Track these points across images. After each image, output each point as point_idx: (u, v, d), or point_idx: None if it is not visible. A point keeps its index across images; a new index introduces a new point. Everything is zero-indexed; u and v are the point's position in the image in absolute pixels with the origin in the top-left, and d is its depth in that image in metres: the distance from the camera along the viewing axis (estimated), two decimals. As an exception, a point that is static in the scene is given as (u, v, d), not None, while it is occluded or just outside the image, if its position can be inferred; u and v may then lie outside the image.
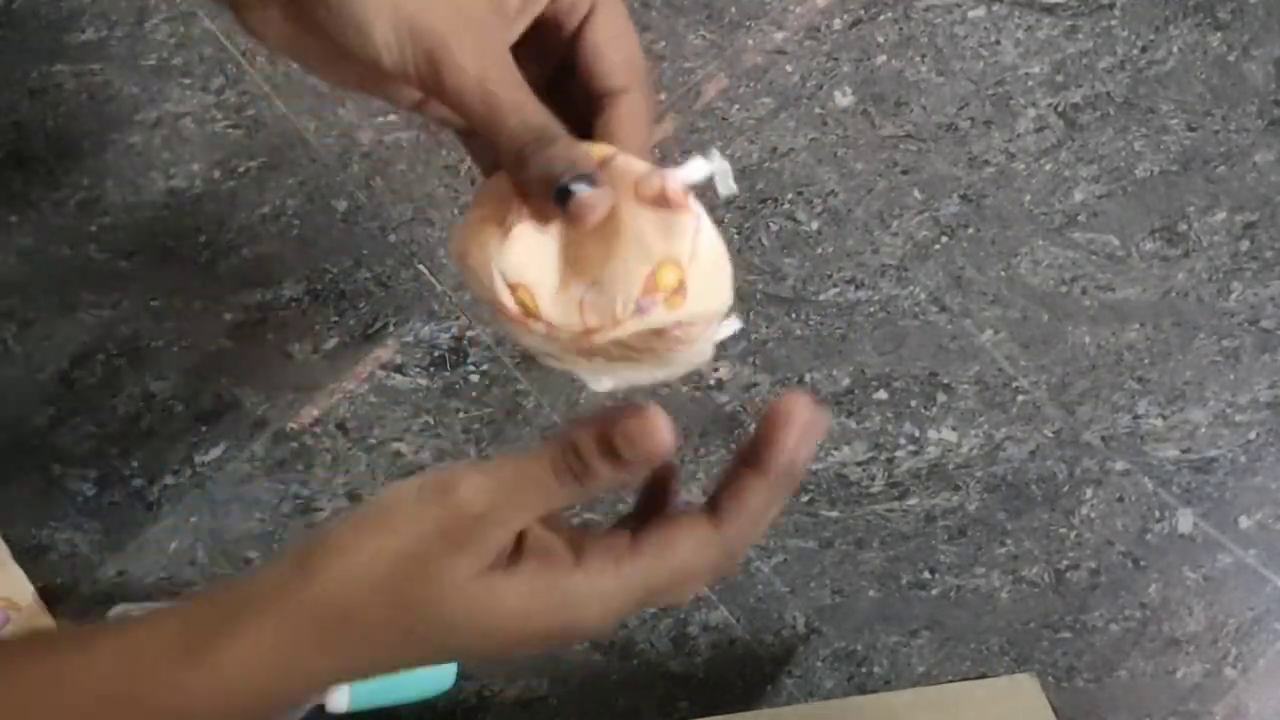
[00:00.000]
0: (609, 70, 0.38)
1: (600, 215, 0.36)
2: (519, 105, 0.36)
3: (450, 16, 0.36)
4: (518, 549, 0.36)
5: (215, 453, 0.74)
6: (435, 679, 0.68)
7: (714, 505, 0.37)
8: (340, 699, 0.64)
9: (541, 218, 0.37)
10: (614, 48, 0.38)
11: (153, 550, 0.73)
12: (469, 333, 0.77)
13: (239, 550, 0.73)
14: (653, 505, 0.39)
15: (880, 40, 0.82)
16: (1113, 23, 0.82)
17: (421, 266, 0.78)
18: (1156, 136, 0.80)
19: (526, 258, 0.37)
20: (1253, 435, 0.75)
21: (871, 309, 0.77)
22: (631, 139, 0.38)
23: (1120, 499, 0.75)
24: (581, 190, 0.35)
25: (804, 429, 0.36)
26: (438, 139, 0.79)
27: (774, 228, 0.78)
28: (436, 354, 0.76)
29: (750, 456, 0.36)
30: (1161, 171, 0.80)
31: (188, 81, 0.80)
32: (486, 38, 0.37)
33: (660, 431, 0.34)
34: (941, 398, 0.76)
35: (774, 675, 0.72)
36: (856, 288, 0.78)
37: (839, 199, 0.79)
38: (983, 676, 0.72)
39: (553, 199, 0.35)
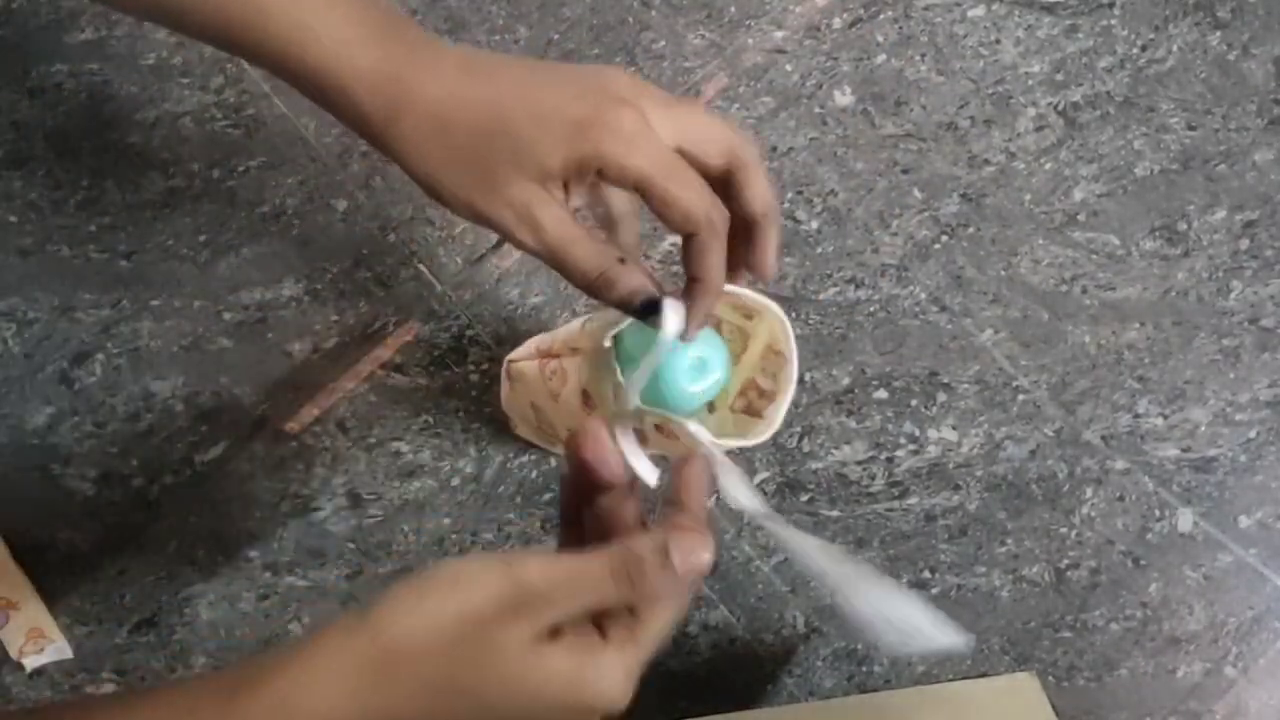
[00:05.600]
0: (674, 222, 0.45)
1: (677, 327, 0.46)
2: (580, 251, 0.45)
3: (503, 203, 0.44)
4: (558, 626, 0.41)
5: (215, 452, 0.74)
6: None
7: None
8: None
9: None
10: (674, 206, 0.44)
11: (153, 550, 0.73)
12: (469, 332, 0.77)
13: (239, 550, 0.73)
14: None
15: (880, 40, 0.82)
16: (1112, 22, 0.82)
17: (421, 266, 0.78)
18: (1156, 135, 0.80)
19: None
20: (1253, 434, 0.75)
21: (871, 308, 0.77)
22: (707, 274, 0.46)
23: (1120, 498, 0.75)
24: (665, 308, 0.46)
25: (703, 491, 0.45)
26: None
27: (774, 227, 0.78)
28: (436, 354, 0.76)
29: (678, 515, 0.43)
30: (1161, 170, 0.80)
31: (187, 81, 0.80)
32: (541, 210, 0.44)
33: (708, 552, 0.41)
34: (942, 397, 0.76)
35: (774, 674, 0.72)
36: (856, 287, 0.78)
37: (839, 198, 0.79)
38: (983, 676, 0.72)
39: (638, 313, 0.46)
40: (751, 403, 0.58)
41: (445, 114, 0.44)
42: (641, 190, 0.44)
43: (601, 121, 0.43)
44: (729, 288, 0.55)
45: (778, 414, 0.56)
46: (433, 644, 0.39)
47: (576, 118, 0.43)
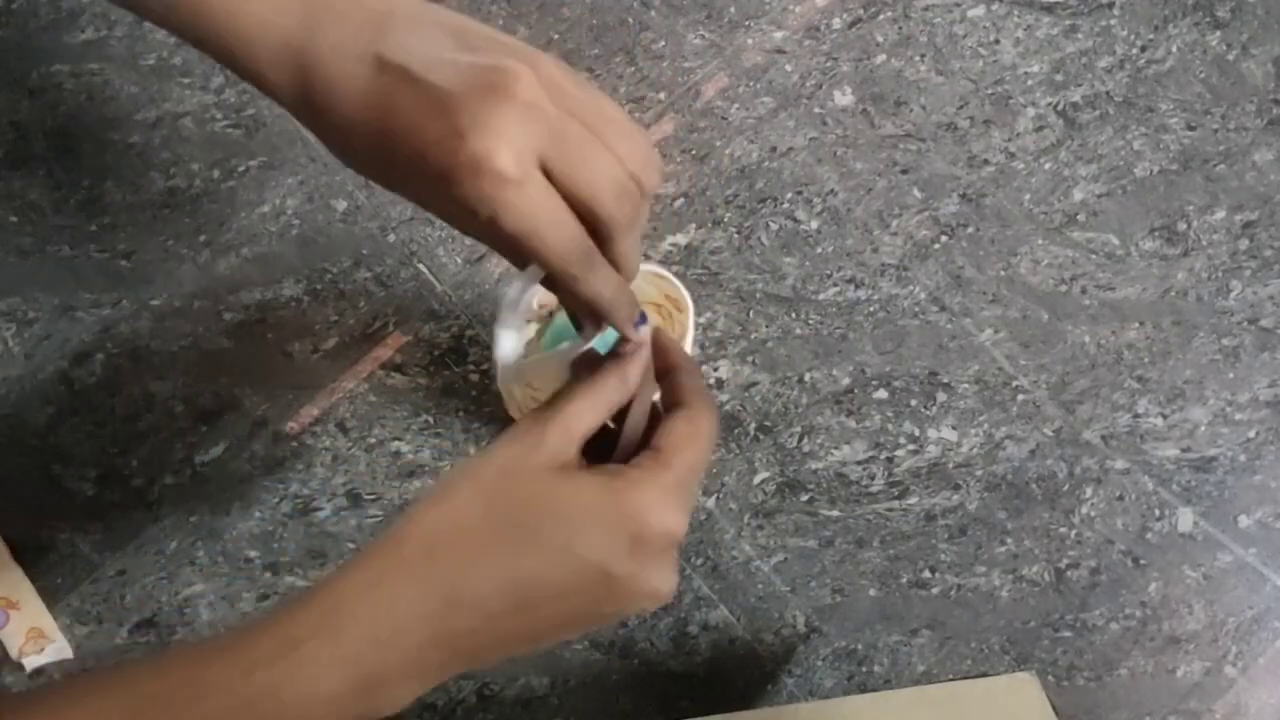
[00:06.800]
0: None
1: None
2: (565, 237, 0.40)
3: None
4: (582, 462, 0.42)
5: (215, 452, 0.74)
6: None
7: (678, 409, 0.45)
8: None
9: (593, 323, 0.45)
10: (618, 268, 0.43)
11: (152, 550, 0.73)
12: (469, 332, 0.77)
13: (239, 550, 0.73)
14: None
15: (880, 40, 0.82)
16: (1112, 22, 0.82)
17: (421, 266, 0.78)
18: (1156, 135, 0.80)
19: None
20: (1252, 434, 0.75)
21: (871, 308, 0.77)
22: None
23: (1120, 498, 0.75)
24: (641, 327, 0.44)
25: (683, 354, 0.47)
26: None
27: (774, 227, 0.78)
28: (436, 353, 0.76)
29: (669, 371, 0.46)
30: (1161, 170, 0.80)
31: (187, 81, 0.80)
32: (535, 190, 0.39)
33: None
34: (941, 397, 0.76)
35: (774, 674, 0.72)
36: (856, 287, 0.78)
37: (839, 198, 0.79)
38: (983, 675, 0.72)
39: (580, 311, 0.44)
40: None
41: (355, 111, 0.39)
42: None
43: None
44: (656, 269, 0.61)
45: None
46: (463, 517, 0.40)
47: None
